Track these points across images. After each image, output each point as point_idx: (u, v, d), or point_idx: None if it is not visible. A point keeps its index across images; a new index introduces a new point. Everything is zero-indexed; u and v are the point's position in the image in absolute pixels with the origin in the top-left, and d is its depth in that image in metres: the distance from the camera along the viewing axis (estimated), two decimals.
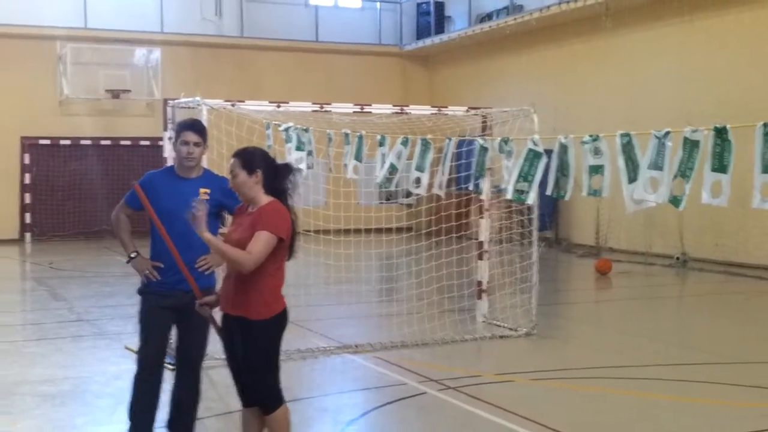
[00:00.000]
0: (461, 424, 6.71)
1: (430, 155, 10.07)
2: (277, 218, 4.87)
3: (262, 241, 4.79)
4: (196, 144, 5.63)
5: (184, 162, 5.66)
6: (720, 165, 6.94)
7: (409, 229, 13.20)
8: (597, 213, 18.67)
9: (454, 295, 10.85)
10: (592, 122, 17.65)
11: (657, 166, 7.50)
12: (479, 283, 10.60)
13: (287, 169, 5.10)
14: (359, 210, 12.61)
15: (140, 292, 5.76)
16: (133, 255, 5.71)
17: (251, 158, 5.01)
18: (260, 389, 5.01)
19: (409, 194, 13.34)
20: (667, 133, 7.54)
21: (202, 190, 5.59)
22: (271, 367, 5.01)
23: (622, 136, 7.94)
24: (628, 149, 7.91)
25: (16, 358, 9.00)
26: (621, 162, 7.95)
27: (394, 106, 10.69)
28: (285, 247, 4.96)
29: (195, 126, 5.76)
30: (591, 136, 8.38)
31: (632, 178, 7.87)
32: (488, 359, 9.25)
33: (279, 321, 5.00)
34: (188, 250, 5.50)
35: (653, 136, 7.61)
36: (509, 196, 9.24)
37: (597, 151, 8.31)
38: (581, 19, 19.96)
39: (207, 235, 4.86)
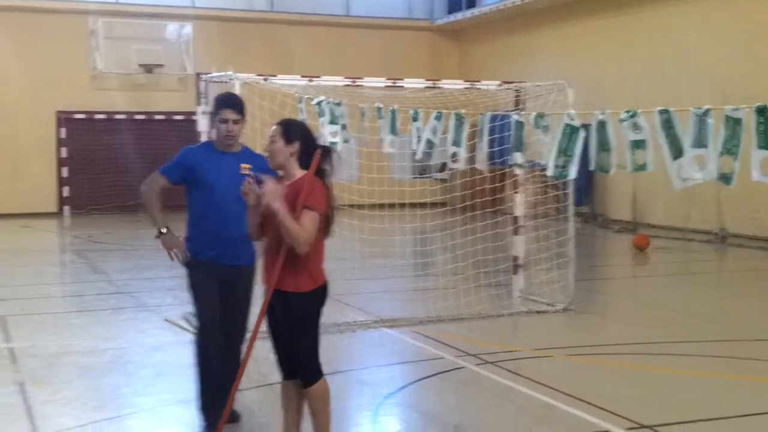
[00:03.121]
0: (500, 398, 6.72)
1: (465, 130, 10.01)
2: (318, 195, 4.88)
3: (310, 220, 4.81)
4: (236, 121, 5.63)
5: (224, 140, 5.66)
6: (766, 143, 6.83)
7: (443, 203, 13.20)
8: (634, 188, 18.51)
9: (490, 270, 10.83)
10: (626, 96, 17.49)
11: (701, 143, 7.40)
12: (515, 258, 10.57)
13: (326, 152, 5.11)
14: (393, 185, 12.60)
15: (186, 264, 5.75)
16: (163, 230, 5.66)
17: (291, 129, 5.03)
18: (300, 362, 5.04)
19: (443, 169, 13.26)
20: (707, 110, 7.43)
21: (243, 165, 5.61)
22: (311, 340, 5.03)
23: (661, 112, 7.83)
24: (667, 126, 7.81)
25: (57, 329, 9.14)
26: (662, 138, 7.85)
27: (426, 80, 10.63)
28: (323, 221, 4.97)
29: (234, 103, 5.72)
30: (628, 112, 8.25)
31: (676, 155, 7.76)
32: (525, 334, 9.25)
33: (320, 294, 5.02)
34: (231, 222, 5.53)
35: (692, 113, 7.51)
36: (550, 173, 9.15)
37: (636, 127, 8.20)
38: None
39: (280, 208, 4.76)
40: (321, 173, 5.00)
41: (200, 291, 5.71)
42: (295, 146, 4.96)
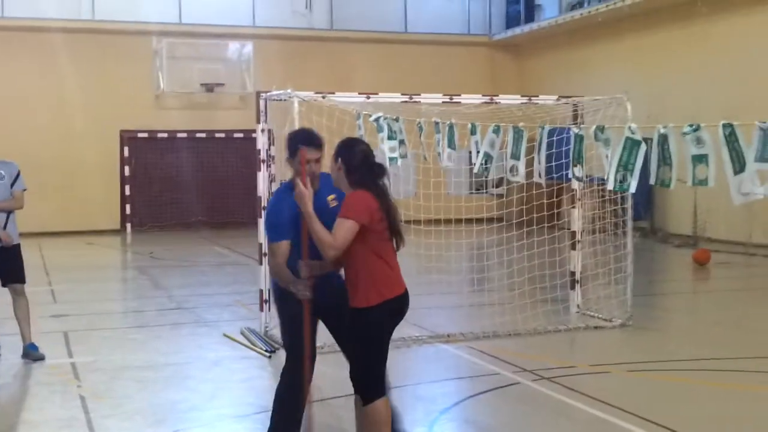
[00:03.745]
0: (556, 415, 6.68)
1: (524, 143, 9.98)
2: (355, 204, 4.90)
3: (339, 227, 4.87)
4: (318, 160, 5.37)
5: (311, 184, 5.19)
6: None
7: (499, 219, 13.15)
8: (694, 202, 18.21)
9: (547, 286, 10.76)
10: (687, 110, 17.22)
11: (764, 158, 7.30)
12: (572, 274, 10.49)
13: (369, 169, 5.10)
14: (449, 200, 12.59)
15: (284, 298, 5.51)
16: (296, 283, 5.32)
17: (336, 148, 5.16)
18: (358, 377, 5.07)
19: (500, 184, 13.22)
20: None
21: (329, 198, 5.37)
22: (372, 355, 5.04)
23: (725, 126, 7.74)
24: (731, 140, 7.71)
25: (118, 344, 9.31)
26: (725, 153, 7.75)
27: (483, 95, 10.64)
28: (374, 233, 4.95)
29: (314, 140, 5.41)
30: (691, 125, 8.17)
31: (737, 170, 7.66)
32: (583, 350, 9.17)
33: (386, 309, 5.00)
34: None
35: (758, 127, 7.40)
36: (610, 186, 9.08)
37: (699, 141, 8.10)
38: (675, 5, 19.48)
39: (309, 210, 4.90)
40: (368, 187, 5.02)
41: (298, 325, 5.40)
42: (339, 163, 5.08)
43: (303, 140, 5.43)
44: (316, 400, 6.80)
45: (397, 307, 5.07)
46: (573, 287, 10.49)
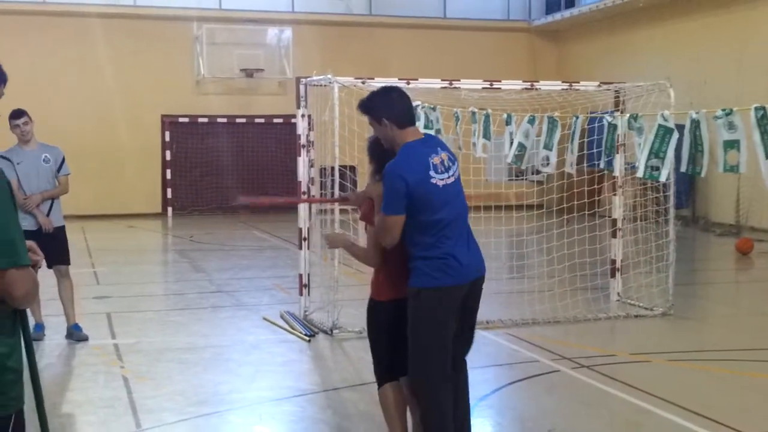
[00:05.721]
0: (595, 403, 6.65)
1: (558, 133, 9.93)
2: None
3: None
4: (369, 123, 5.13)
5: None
6: None
7: (539, 206, 13.08)
8: (737, 190, 17.96)
9: (587, 273, 10.70)
10: (730, 96, 16.98)
11: None
12: (613, 261, 10.41)
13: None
14: (489, 186, 12.53)
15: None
16: None
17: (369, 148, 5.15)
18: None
19: (539, 171, 13.16)
20: None
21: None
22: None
23: (757, 109, 7.66)
24: (763, 123, 7.63)
25: (160, 326, 9.44)
26: (757, 136, 7.67)
27: (524, 82, 10.56)
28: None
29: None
30: (724, 110, 8.11)
31: None
32: (623, 338, 9.10)
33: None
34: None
35: None
36: (641, 174, 9.03)
37: (731, 126, 8.03)
38: None
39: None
40: None
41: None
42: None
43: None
44: (328, 389, 6.86)
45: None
46: (613, 275, 10.41)
